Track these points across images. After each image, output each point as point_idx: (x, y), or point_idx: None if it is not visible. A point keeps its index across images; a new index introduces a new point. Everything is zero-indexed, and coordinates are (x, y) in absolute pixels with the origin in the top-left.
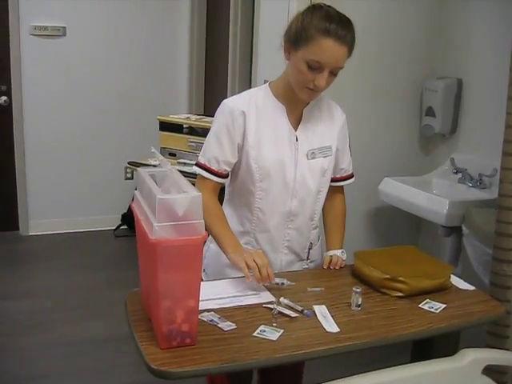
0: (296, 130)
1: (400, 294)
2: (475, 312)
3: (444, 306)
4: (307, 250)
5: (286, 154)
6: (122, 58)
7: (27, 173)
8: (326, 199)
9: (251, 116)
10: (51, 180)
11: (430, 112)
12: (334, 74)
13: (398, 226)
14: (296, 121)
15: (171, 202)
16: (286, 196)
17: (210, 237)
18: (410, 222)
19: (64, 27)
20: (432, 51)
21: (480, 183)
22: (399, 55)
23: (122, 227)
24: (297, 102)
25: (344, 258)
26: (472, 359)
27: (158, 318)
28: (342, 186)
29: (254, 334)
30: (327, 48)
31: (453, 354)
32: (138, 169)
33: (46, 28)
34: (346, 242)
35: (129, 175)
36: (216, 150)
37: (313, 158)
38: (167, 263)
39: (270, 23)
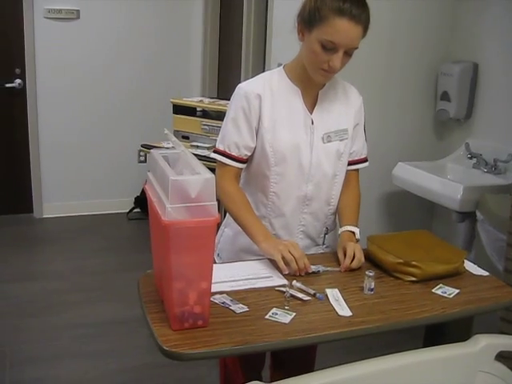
0: (311, 113)
1: (413, 279)
2: (489, 298)
3: (457, 291)
4: (323, 236)
5: (301, 137)
6: (136, 41)
7: (41, 156)
8: (344, 189)
9: (266, 99)
10: (65, 163)
11: (445, 96)
12: (349, 54)
13: (412, 211)
14: (311, 104)
15: (184, 184)
16: (301, 180)
17: (225, 221)
18: (423, 207)
19: (78, 10)
20: (447, 35)
21: (495, 168)
22: (414, 39)
23: (135, 210)
24: (312, 85)
25: (358, 238)
26: (485, 345)
27: (171, 299)
28: (357, 171)
29: (266, 317)
30: (342, 28)
31: (465, 340)
32: (151, 151)
33: (59, 11)
34: (359, 226)
35: (142, 158)
36: (235, 135)
37: (329, 142)
38: (180, 245)
39: (284, 5)
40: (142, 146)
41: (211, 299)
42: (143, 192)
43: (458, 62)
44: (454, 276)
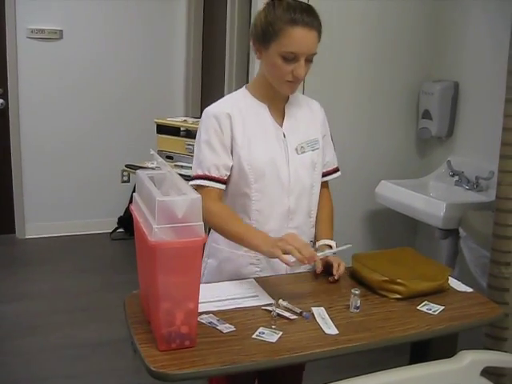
0: (281, 127)
1: (398, 296)
2: (473, 314)
3: (442, 307)
4: None
5: (276, 151)
6: (119, 61)
7: (24, 176)
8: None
9: (236, 117)
10: (48, 183)
11: (427, 115)
12: (309, 60)
13: (395, 229)
14: (279, 118)
15: (171, 204)
16: (282, 194)
17: (208, 251)
18: (406, 224)
19: (61, 30)
20: (429, 54)
21: (477, 186)
22: (396, 58)
23: (118, 230)
24: (277, 99)
25: (335, 251)
26: (470, 361)
27: (158, 320)
28: (327, 182)
29: (253, 336)
30: (298, 37)
31: (451, 356)
32: (137, 171)
33: (42, 31)
34: (343, 244)
35: (125, 178)
36: (212, 157)
37: (303, 153)
38: (167, 265)
39: None
40: (125, 166)
41: (198, 319)
42: (126, 212)
43: (438, 81)
44: (438, 293)
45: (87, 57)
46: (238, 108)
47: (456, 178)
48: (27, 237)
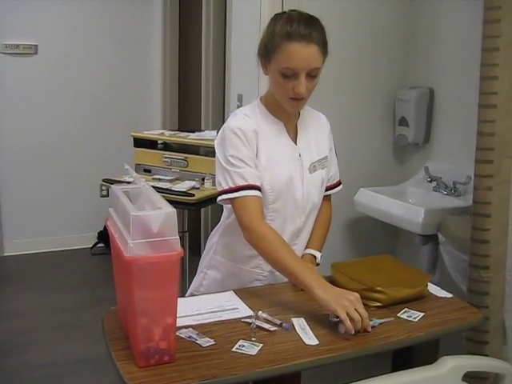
0: (296, 145)
1: (378, 304)
2: (453, 319)
3: (422, 314)
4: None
5: (293, 171)
6: (95, 75)
7: (1, 193)
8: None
9: (260, 135)
10: (26, 199)
11: (403, 122)
12: (312, 76)
13: (375, 236)
14: (293, 136)
15: (145, 219)
16: (295, 214)
17: (208, 263)
18: (386, 231)
19: (36, 45)
20: (404, 61)
21: (454, 191)
22: (372, 66)
23: (98, 245)
24: (291, 116)
25: (319, 262)
26: (452, 366)
27: (136, 336)
28: (330, 195)
29: (233, 350)
30: (294, 52)
31: (432, 362)
32: (112, 186)
33: (17, 46)
34: (323, 253)
35: (104, 192)
36: (251, 170)
37: (314, 171)
38: (143, 280)
39: (242, 38)
40: (103, 180)
41: (177, 334)
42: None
43: (414, 88)
44: (418, 299)
45: (63, 71)
46: (259, 124)
47: (434, 183)
48: (6, 254)
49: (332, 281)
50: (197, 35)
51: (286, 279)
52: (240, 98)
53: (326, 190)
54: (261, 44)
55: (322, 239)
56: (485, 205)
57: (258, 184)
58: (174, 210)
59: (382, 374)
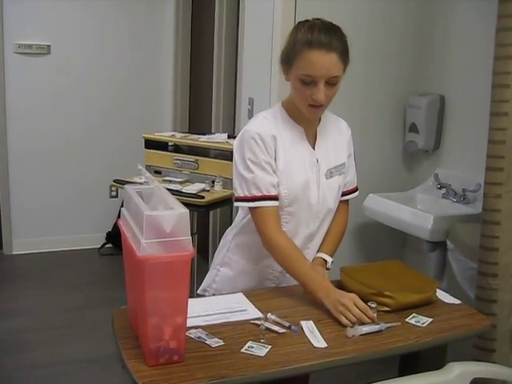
0: (314, 150)
1: (387, 309)
2: (461, 326)
3: (430, 320)
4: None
5: (310, 176)
6: (107, 76)
7: (11, 192)
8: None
9: (279, 140)
10: (36, 199)
11: (414, 128)
12: (331, 84)
13: (383, 242)
14: (312, 141)
15: (158, 219)
16: (309, 218)
17: (222, 260)
18: (394, 237)
19: (48, 45)
20: (415, 68)
21: (464, 198)
22: (383, 72)
23: (106, 246)
24: (310, 122)
25: (329, 267)
26: (459, 372)
27: (146, 335)
28: (348, 201)
29: (242, 351)
30: (313, 59)
31: (439, 368)
32: (125, 186)
33: (30, 46)
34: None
35: (113, 193)
36: (266, 177)
37: (331, 177)
38: (155, 280)
39: (254, 42)
40: (114, 181)
41: (186, 334)
42: (115, 227)
43: (425, 95)
44: (426, 305)
45: (75, 72)
46: (278, 129)
47: (443, 190)
48: (14, 253)
49: (341, 285)
50: (209, 38)
51: (296, 281)
52: (251, 102)
53: (343, 195)
54: (283, 51)
55: (335, 244)
56: (494, 212)
57: (272, 194)
58: (187, 210)
59: (389, 379)
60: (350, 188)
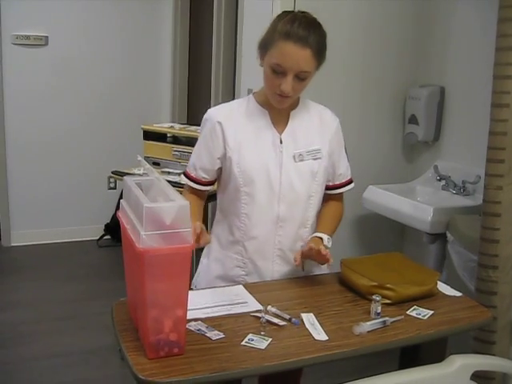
0: (281, 133)
1: (388, 301)
2: (462, 318)
3: (431, 312)
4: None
5: (269, 157)
6: (105, 67)
7: (9, 183)
8: (324, 205)
9: (229, 124)
10: (34, 190)
11: (413, 120)
12: (301, 78)
13: (383, 234)
14: (282, 124)
15: (158, 211)
16: (272, 200)
17: (204, 250)
18: (394, 229)
19: (46, 36)
20: (415, 59)
21: (463, 190)
22: (383, 64)
23: (105, 237)
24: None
25: (329, 246)
26: (460, 365)
27: (146, 327)
28: (342, 194)
29: (243, 343)
30: (287, 51)
31: (440, 361)
32: (125, 177)
33: (27, 37)
34: (332, 250)
35: (112, 185)
36: (195, 158)
37: (301, 161)
38: (155, 272)
39: (253, 33)
40: (112, 172)
41: (187, 326)
42: (113, 219)
43: (425, 86)
44: (427, 297)
45: (72, 63)
46: (237, 113)
47: (443, 182)
48: (13, 244)
49: (341, 277)
50: (207, 30)
51: (270, 271)
52: (250, 93)
53: (336, 188)
54: (262, 37)
55: (332, 224)
56: (495, 204)
57: (195, 176)
58: (188, 202)
59: (390, 372)
60: (344, 180)
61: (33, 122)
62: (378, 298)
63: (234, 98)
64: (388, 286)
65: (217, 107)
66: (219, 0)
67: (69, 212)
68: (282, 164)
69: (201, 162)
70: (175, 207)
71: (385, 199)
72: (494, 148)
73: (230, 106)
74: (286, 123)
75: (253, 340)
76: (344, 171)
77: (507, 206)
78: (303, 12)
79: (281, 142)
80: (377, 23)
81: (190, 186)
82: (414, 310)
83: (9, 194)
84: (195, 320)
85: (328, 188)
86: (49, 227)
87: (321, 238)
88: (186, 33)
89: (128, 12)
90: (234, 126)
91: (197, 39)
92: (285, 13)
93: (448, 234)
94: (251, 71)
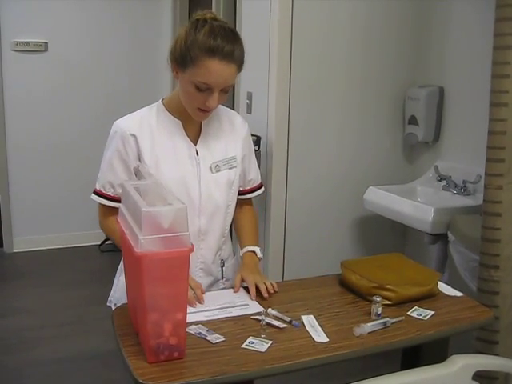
0: (196, 144)
1: (388, 302)
2: (464, 318)
3: (432, 312)
4: (220, 269)
5: (187, 169)
6: (104, 72)
7: (11, 189)
8: (239, 212)
9: (144, 137)
10: (35, 196)
11: (413, 120)
12: (225, 91)
13: (384, 235)
14: (195, 135)
15: (156, 215)
16: (192, 214)
17: (120, 267)
18: (395, 230)
19: (46, 42)
20: (414, 60)
21: (464, 190)
22: (382, 65)
23: (107, 242)
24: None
25: (260, 256)
26: (462, 365)
27: (146, 331)
28: (251, 199)
29: (243, 346)
30: (214, 69)
31: (442, 361)
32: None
33: (27, 43)
34: (332, 251)
35: None
36: (109, 175)
37: (218, 171)
38: (154, 276)
39: (251, 36)
40: None
41: (186, 330)
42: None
43: (424, 87)
44: (428, 298)
45: (73, 68)
46: (149, 125)
47: (443, 182)
48: (15, 251)
49: (342, 278)
50: None
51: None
52: (249, 96)
53: (246, 193)
54: (175, 48)
55: (254, 234)
56: (496, 204)
57: (112, 194)
58: (185, 205)
59: (391, 373)
60: (254, 185)
61: (34, 127)
62: (378, 299)
63: (233, 100)
64: (388, 286)
65: (125, 118)
66: (217, 1)
67: (71, 217)
68: (200, 176)
69: (117, 178)
70: (173, 211)
71: (385, 200)
72: (493, 147)
73: (139, 117)
74: (199, 133)
75: (253, 343)
76: (254, 176)
77: (508, 205)
78: (214, 18)
79: (197, 154)
80: (376, 23)
81: (111, 207)
82: (415, 310)
83: (10, 200)
84: (195, 323)
85: (239, 193)
86: (51, 233)
87: (254, 252)
88: None
89: (127, 17)
90: (148, 140)
91: None
92: (198, 21)
93: (449, 234)
94: (250, 73)
